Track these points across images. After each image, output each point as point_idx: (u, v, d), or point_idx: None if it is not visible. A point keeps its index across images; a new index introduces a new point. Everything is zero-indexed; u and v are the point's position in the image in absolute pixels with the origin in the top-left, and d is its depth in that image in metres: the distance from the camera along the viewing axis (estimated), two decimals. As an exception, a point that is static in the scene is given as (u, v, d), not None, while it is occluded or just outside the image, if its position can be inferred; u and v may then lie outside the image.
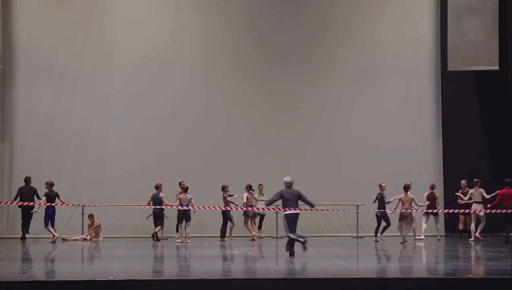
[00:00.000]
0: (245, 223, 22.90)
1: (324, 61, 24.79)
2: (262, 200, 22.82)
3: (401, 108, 24.86)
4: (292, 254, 16.56)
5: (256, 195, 22.88)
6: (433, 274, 13.79)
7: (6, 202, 21.34)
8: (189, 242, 20.91)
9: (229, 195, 22.63)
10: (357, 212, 23.49)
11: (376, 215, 21.75)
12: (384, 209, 21.59)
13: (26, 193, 21.98)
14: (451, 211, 21.91)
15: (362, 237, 23.40)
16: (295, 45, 24.67)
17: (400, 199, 21.20)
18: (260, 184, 22.99)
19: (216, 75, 24.56)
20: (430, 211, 22.07)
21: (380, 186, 21.84)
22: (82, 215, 22.78)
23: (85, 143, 23.95)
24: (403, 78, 24.90)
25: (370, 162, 24.44)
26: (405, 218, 21.07)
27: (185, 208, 20.87)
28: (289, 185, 16.86)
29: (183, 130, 24.35)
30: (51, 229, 21.60)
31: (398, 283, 12.52)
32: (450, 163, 24.58)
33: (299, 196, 16.82)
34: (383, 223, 21.73)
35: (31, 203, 21.19)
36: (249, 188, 22.73)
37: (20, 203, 21.25)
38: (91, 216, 22.52)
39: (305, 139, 24.61)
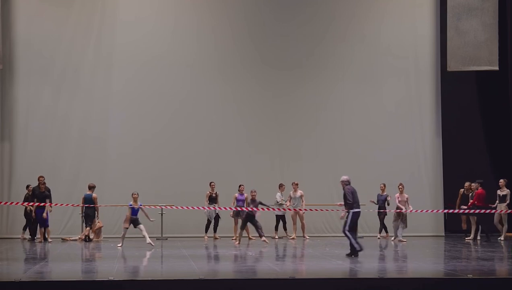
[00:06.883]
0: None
1: (324, 62, 24.77)
2: (283, 200, 22.84)
3: (401, 108, 24.85)
4: None
5: (278, 196, 22.89)
6: (433, 274, 13.80)
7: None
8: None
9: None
10: (357, 212, 23.46)
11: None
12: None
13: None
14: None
15: (362, 237, 23.38)
16: (295, 46, 24.66)
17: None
18: (281, 184, 23.02)
19: (216, 76, 24.55)
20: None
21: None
22: (82, 215, 22.76)
23: (85, 143, 23.95)
24: (403, 78, 24.89)
25: (370, 162, 24.45)
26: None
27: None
28: None
29: (182, 130, 24.34)
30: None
31: (398, 283, 12.53)
32: (450, 162, 24.59)
33: None
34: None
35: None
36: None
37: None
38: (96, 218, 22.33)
39: (305, 139, 24.59)
